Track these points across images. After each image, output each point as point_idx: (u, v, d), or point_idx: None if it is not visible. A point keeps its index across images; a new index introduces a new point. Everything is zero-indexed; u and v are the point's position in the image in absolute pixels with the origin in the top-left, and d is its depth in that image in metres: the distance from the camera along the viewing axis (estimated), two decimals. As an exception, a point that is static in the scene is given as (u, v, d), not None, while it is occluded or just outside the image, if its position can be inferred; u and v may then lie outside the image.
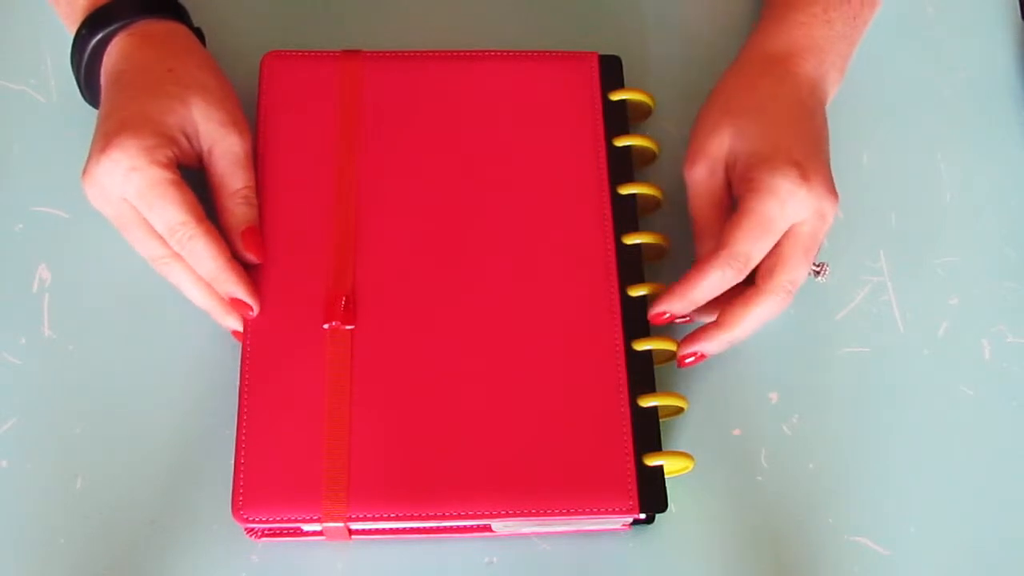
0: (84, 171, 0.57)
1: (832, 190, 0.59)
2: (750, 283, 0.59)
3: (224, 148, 0.59)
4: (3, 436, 0.59)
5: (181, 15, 0.63)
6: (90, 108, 0.63)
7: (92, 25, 0.60)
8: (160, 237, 0.57)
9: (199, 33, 0.64)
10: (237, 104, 0.61)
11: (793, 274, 0.58)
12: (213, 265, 0.57)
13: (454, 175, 0.62)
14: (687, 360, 0.59)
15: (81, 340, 0.61)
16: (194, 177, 0.59)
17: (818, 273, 0.61)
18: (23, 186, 0.64)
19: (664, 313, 0.59)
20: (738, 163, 0.60)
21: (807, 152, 0.59)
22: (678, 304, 0.59)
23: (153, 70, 0.59)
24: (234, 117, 0.60)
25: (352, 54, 0.65)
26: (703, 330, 0.59)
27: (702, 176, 0.61)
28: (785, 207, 0.57)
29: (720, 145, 0.60)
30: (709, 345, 0.59)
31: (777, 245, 0.58)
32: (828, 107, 0.64)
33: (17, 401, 0.60)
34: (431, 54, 0.65)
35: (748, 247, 0.57)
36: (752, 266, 0.58)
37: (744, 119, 0.60)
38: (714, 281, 0.58)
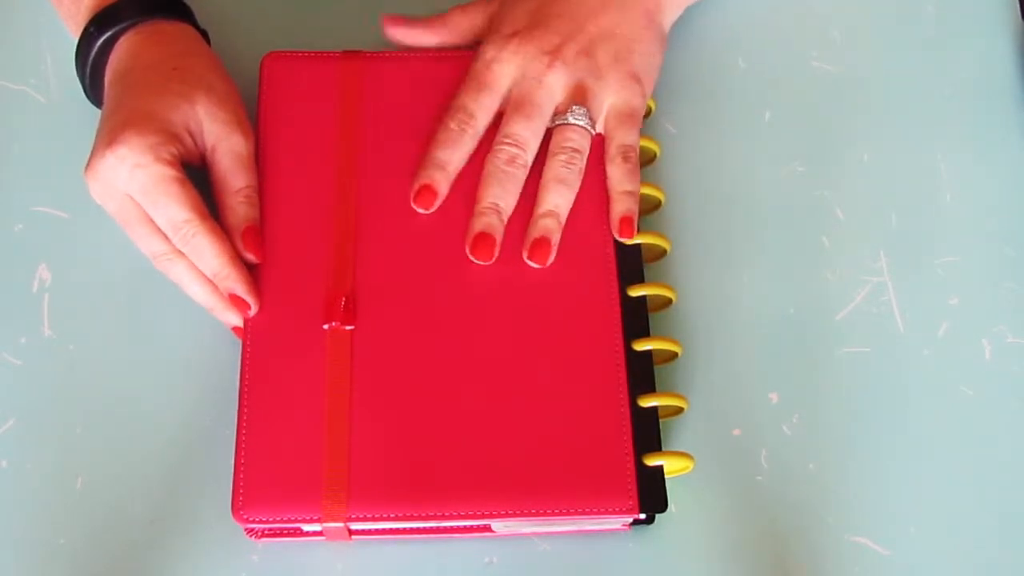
0: (88, 166, 0.57)
1: (553, 49, 0.61)
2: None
3: (227, 147, 0.59)
4: (3, 436, 0.59)
5: (187, 15, 0.63)
6: (91, 108, 0.63)
7: (100, 24, 0.60)
8: (162, 234, 0.57)
9: (204, 34, 0.64)
10: (241, 104, 0.61)
11: (507, 128, 0.61)
12: (216, 262, 0.57)
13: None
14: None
15: (81, 340, 0.61)
16: (196, 176, 0.59)
17: (565, 118, 0.61)
18: (23, 186, 0.65)
19: (427, 187, 0.60)
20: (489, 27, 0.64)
21: (536, 18, 0.62)
22: (427, 169, 0.61)
23: (159, 69, 0.59)
24: (238, 117, 0.60)
25: (352, 54, 0.65)
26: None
27: (456, 19, 0.66)
28: (491, 66, 0.62)
29: (488, 7, 0.65)
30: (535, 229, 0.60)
31: (504, 107, 0.62)
32: (823, 110, 0.64)
33: (17, 401, 0.60)
34: (431, 54, 0.65)
35: (465, 100, 0.61)
36: (479, 123, 0.61)
37: None
38: (446, 137, 0.61)
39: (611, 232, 0.61)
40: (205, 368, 0.60)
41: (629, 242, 0.61)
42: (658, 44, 0.64)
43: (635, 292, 0.60)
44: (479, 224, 0.60)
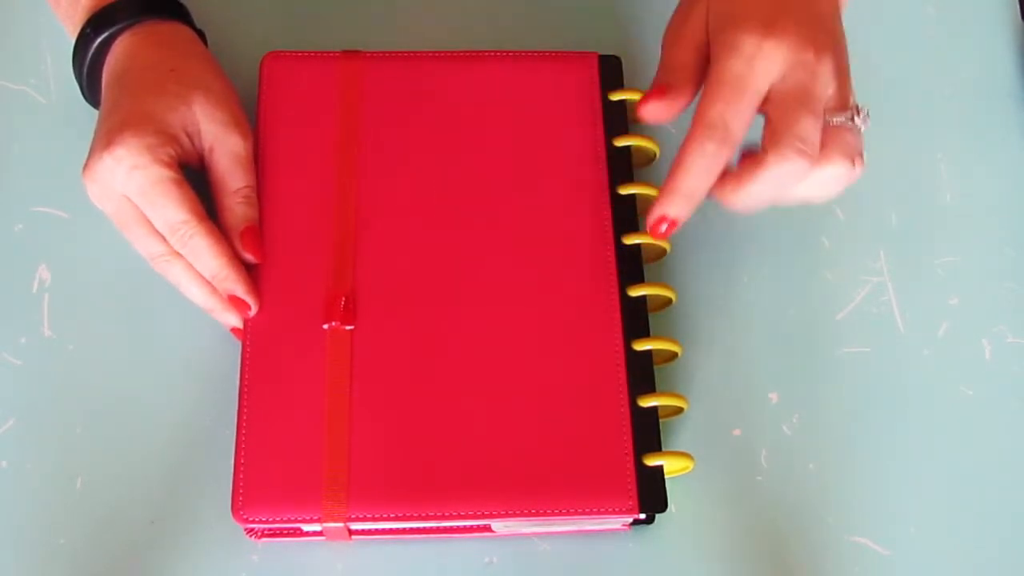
0: (85, 168, 0.57)
1: (814, 40, 0.53)
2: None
3: (225, 147, 0.59)
4: (3, 436, 0.59)
5: (184, 16, 0.63)
6: (90, 108, 0.63)
7: (96, 25, 0.60)
8: (160, 235, 0.57)
9: (201, 35, 0.64)
10: (239, 104, 0.61)
11: (796, 128, 0.52)
12: (214, 263, 0.57)
13: (454, 175, 0.62)
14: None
15: (81, 340, 0.61)
16: (195, 177, 0.59)
17: (853, 118, 0.54)
18: (23, 186, 0.65)
19: (663, 219, 0.53)
20: (710, 31, 0.55)
21: (782, 8, 0.53)
22: (674, 201, 0.53)
23: (156, 69, 0.59)
24: (236, 117, 0.60)
25: (352, 54, 0.65)
26: (718, 183, 0.53)
27: (683, 58, 0.55)
28: (753, 64, 0.52)
29: (699, 18, 0.55)
30: (725, 196, 0.53)
31: (767, 109, 0.53)
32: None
33: (17, 401, 0.60)
34: (431, 54, 0.65)
35: (721, 112, 0.52)
36: (735, 136, 0.52)
37: None
38: (699, 161, 0.52)
39: (611, 232, 0.61)
40: (205, 368, 0.60)
41: (629, 242, 0.61)
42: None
43: (635, 292, 0.60)
44: (742, 206, 0.54)
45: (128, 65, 0.59)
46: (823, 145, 0.53)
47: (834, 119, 0.54)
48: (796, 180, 0.53)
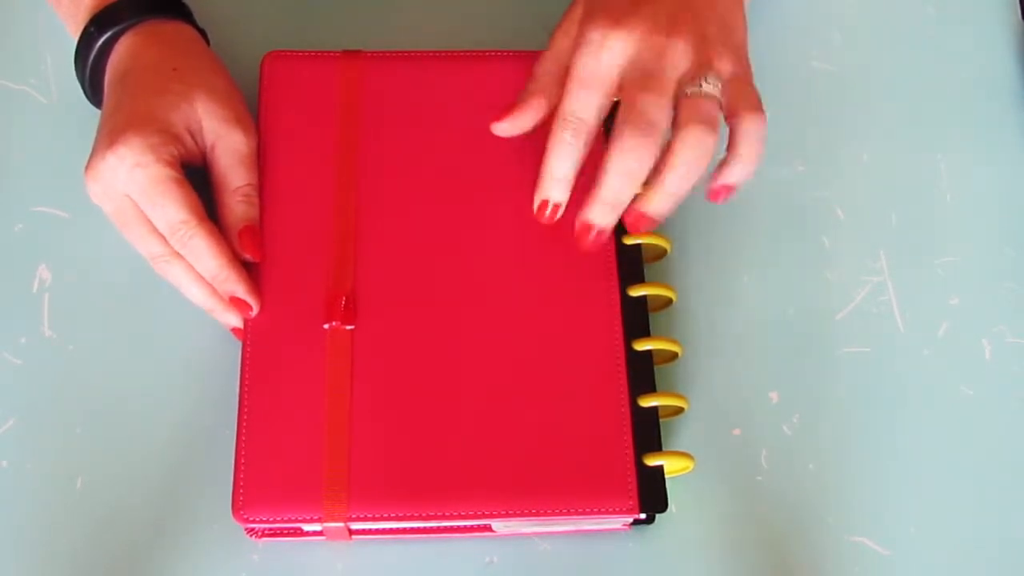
0: (88, 167, 0.57)
1: (668, 25, 0.55)
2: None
3: (227, 145, 0.59)
4: (3, 436, 0.59)
5: (187, 16, 0.63)
6: (91, 108, 0.63)
7: (100, 24, 0.60)
8: (160, 235, 0.57)
9: (203, 34, 0.64)
10: (243, 103, 0.61)
11: (635, 108, 0.55)
12: (214, 264, 0.57)
13: (454, 175, 0.62)
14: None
15: (81, 340, 0.61)
16: (196, 177, 0.59)
17: (701, 84, 0.55)
18: (23, 186, 0.65)
19: (545, 203, 0.59)
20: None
21: (637, 3, 0.56)
22: (546, 185, 0.58)
23: (159, 69, 0.59)
24: (239, 115, 0.60)
25: (352, 54, 0.65)
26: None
27: (548, 65, 0.60)
28: (599, 56, 0.56)
29: (567, 32, 0.59)
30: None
31: (619, 95, 0.56)
32: (823, 110, 0.63)
33: (17, 401, 0.60)
34: (431, 54, 0.65)
35: (575, 104, 0.56)
36: (589, 124, 0.57)
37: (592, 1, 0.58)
38: (558, 148, 0.57)
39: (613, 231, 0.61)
40: (205, 368, 0.60)
41: (629, 242, 0.61)
42: (745, 21, 0.60)
43: (635, 292, 0.60)
44: (598, 216, 0.57)
45: (131, 64, 0.59)
46: (679, 117, 0.55)
47: (688, 90, 0.55)
48: (648, 156, 0.55)
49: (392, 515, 0.54)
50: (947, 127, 0.69)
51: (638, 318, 0.59)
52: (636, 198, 0.57)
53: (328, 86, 0.63)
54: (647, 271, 0.61)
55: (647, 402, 0.57)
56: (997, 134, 0.69)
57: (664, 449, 0.57)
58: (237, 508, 0.54)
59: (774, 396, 0.61)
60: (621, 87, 0.56)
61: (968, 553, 0.59)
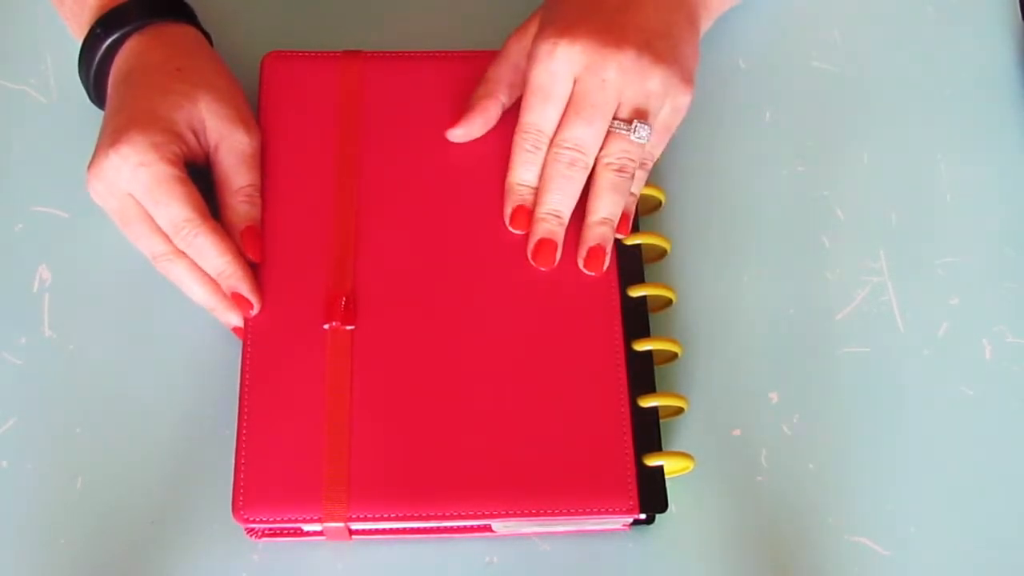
0: (91, 165, 0.57)
1: (613, 41, 0.57)
2: None
3: (230, 145, 0.59)
4: (3, 436, 0.59)
5: (192, 18, 0.63)
6: (91, 108, 0.63)
7: (106, 25, 0.60)
8: (163, 234, 0.57)
9: (207, 37, 0.64)
10: (246, 103, 0.61)
11: (567, 132, 0.58)
12: (219, 261, 0.57)
13: (454, 175, 0.62)
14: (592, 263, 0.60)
15: (81, 340, 0.61)
16: (197, 176, 0.59)
17: (628, 131, 0.59)
18: (23, 186, 0.65)
19: (519, 209, 0.60)
20: None
21: (587, 13, 0.58)
22: (514, 192, 0.60)
23: (163, 69, 0.59)
24: (242, 115, 0.60)
25: (352, 54, 0.65)
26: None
27: (501, 71, 0.62)
28: (549, 68, 0.58)
29: (521, 43, 0.62)
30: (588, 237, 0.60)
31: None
32: (823, 110, 0.63)
33: (17, 401, 0.60)
34: (431, 54, 0.65)
35: (532, 117, 0.59)
36: (546, 136, 0.59)
37: (549, 8, 0.61)
38: (520, 157, 0.60)
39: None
40: (205, 368, 0.60)
41: (629, 242, 0.61)
42: (697, 47, 0.62)
43: (635, 292, 0.60)
44: (541, 230, 0.59)
45: (135, 65, 0.60)
46: (601, 153, 0.59)
47: (614, 125, 0.59)
48: (574, 180, 0.59)
49: (392, 515, 0.54)
50: (947, 127, 0.69)
51: (638, 318, 0.59)
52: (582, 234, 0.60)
53: (328, 86, 0.63)
54: (647, 271, 0.61)
55: (647, 402, 0.57)
56: (997, 134, 0.69)
57: (664, 449, 0.57)
58: (237, 508, 0.54)
59: (774, 396, 0.61)
60: (569, 100, 0.59)
61: (968, 553, 0.59)
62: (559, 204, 0.59)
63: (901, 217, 0.66)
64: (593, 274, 0.59)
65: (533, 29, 0.61)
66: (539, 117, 0.59)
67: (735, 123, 0.68)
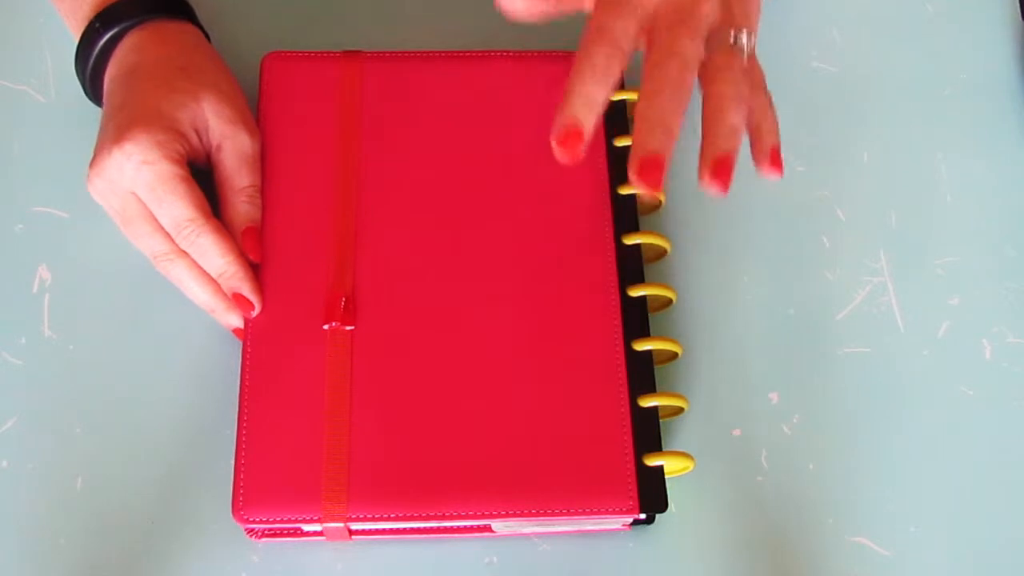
0: (93, 163, 0.57)
1: None
2: None
3: (233, 145, 0.59)
4: (3, 436, 0.59)
5: (191, 16, 0.63)
6: (91, 108, 0.63)
7: (106, 20, 0.60)
8: (164, 233, 0.57)
9: (205, 34, 0.64)
10: (246, 104, 0.61)
11: (671, 44, 0.50)
12: (221, 261, 0.57)
13: (454, 175, 0.62)
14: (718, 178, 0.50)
15: (81, 340, 0.61)
16: (198, 175, 0.59)
17: (735, 40, 0.52)
18: (23, 186, 0.65)
19: (571, 125, 0.50)
20: None
21: None
22: (582, 109, 0.50)
23: (166, 67, 0.59)
24: (244, 116, 0.60)
25: (352, 54, 0.65)
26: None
27: None
28: None
29: None
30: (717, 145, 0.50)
31: (652, 30, 0.52)
32: (823, 110, 0.63)
33: (17, 401, 0.60)
34: (431, 54, 0.65)
35: (605, 19, 0.51)
36: (620, 42, 0.51)
37: None
38: (586, 62, 0.50)
39: (611, 232, 0.60)
40: (205, 368, 0.60)
41: (629, 242, 0.61)
42: None
43: (635, 292, 0.60)
44: (651, 142, 0.49)
45: (137, 62, 0.60)
46: (711, 63, 0.51)
47: (720, 39, 0.52)
48: (683, 91, 0.50)
49: (392, 515, 0.54)
50: (947, 127, 0.69)
51: (638, 318, 0.59)
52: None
53: (328, 86, 0.64)
54: (647, 271, 0.61)
55: (647, 402, 0.57)
56: (997, 134, 0.69)
57: (664, 449, 0.57)
58: (237, 508, 0.54)
59: (774, 396, 0.61)
60: (654, 24, 0.52)
61: (968, 553, 0.59)
62: (669, 115, 0.49)
63: (901, 217, 0.66)
64: (719, 192, 0.49)
65: None
66: (610, 19, 0.51)
67: (735, 123, 0.68)
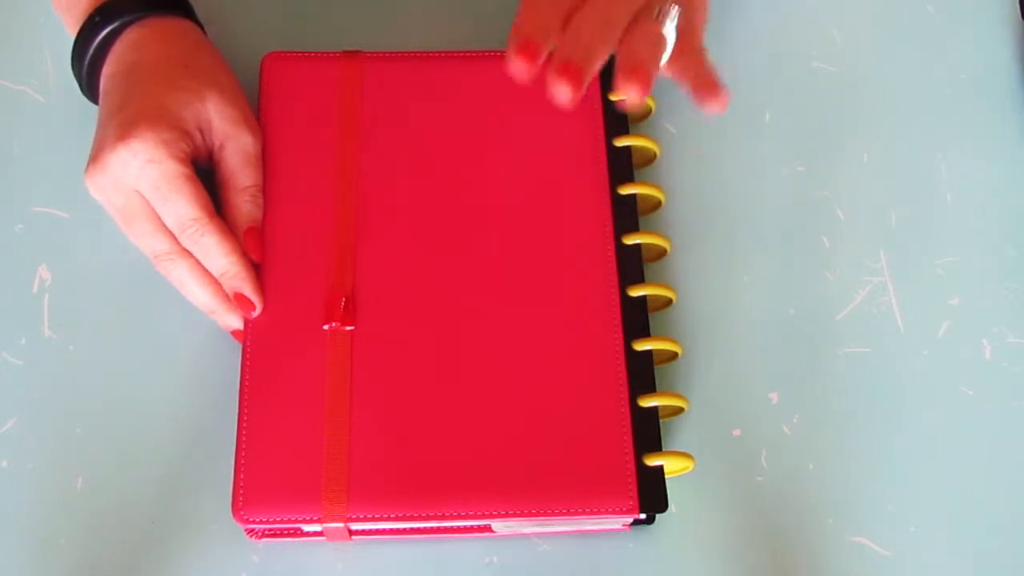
0: (94, 159, 0.57)
1: None
2: None
3: (236, 145, 0.59)
4: (3, 436, 0.59)
5: (190, 13, 0.63)
6: (91, 108, 0.63)
7: (106, 14, 0.60)
8: (166, 232, 0.57)
9: (202, 30, 0.64)
10: (248, 104, 0.61)
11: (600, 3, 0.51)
12: (224, 261, 0.57)
13: (454, 175, 0.62)
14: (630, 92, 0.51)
15: (81, 340, 0.61)
16: (200, 173, 0.59)
17: (657, 15, 0.52)
18: (23, 186, 0.65)
19: (526, 44, 0.50)
20: None
21: None
22: (533, 31, 0.51)
23: (169, 65, 0.59)
24: (246, 115, 0.60)
25: (352, 54, 0.65)
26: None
27: None
28: None
29: None
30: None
31: None
32: (823, 110, 0.63)
33: (17, 401, 0.60)
34: (431, 54, 0.65)
35: None
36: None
37: None
38: (536, 8, 0.51)
39: (611, 232, 0.61)
40: (205, 368, 0.60)
41: (629, 242, 0.61)
42: None
43: (635, 292, 0.60)
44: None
45: (138, 58, 0.59)
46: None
47: (645, 13, 0.52)
48: (607, 32, 0.51)
49: (392, 515, 0.54)
50: (947, 127, 0.69)
51: (638, 318, 0.59)
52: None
53: (328, 86, 0.64)
54: (647, 271, 0.61)
55: (647, 402, 0.57)
56: (997, 134, 0.69)
57: (664, 449, 0.57)
58: (237, 508, 0.54)
59: (774, 396, 0.61)
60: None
61: (968, 553, 0.59)
62: (593, 40, 0.51)
63: (901, 217, 0.66)
64: (632, 93, 0.51)
65: None
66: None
67: (735, 123, 0.68)
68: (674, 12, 0.53)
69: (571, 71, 0.50)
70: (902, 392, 0.62)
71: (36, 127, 0.66)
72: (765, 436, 0.60)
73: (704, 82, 0.53)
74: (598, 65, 0.52)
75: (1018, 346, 0.63)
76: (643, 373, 0.58)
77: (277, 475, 0.55)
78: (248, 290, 0.58)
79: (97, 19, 0.60)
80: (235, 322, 0.59)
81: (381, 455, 0.55)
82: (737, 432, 0.60)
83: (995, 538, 0.59)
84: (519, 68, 0.51)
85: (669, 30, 0.53)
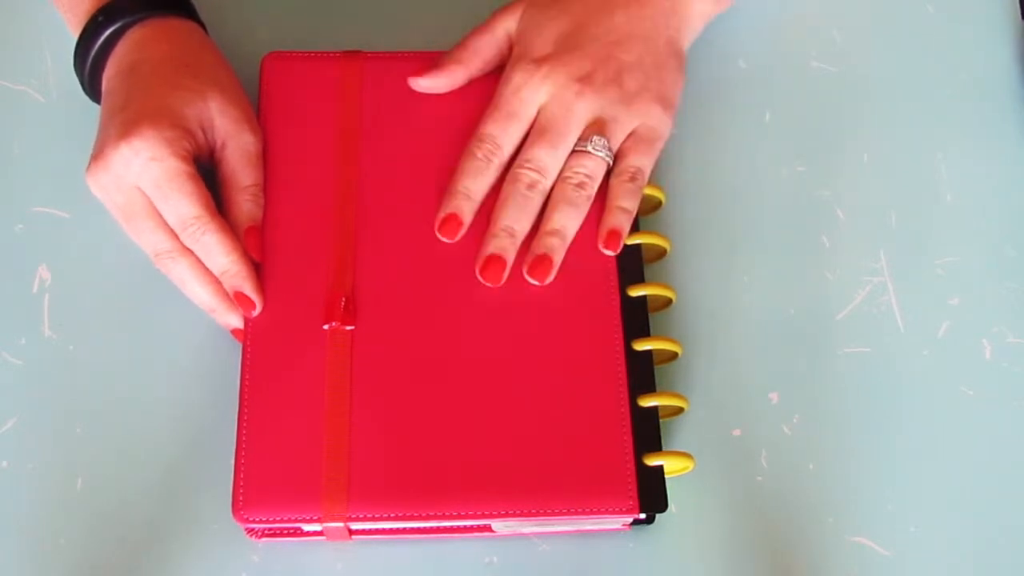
0: (96, 157, 0.57)
1: (586, 76, 0.60)
2: None
3: (237, 144, 0.59)
4: (3, 436, 0.59)
5: (192, 13, 0.63)
6: (91, 108, 0.63)
7: (109, 14, 0.60)
8: (167, 230, 0.57)
9: (204, 29, 0.64)
10: (249, 103, 0.61)
11: (526, 154, 0.60)
12: (226, 260, 0.57)
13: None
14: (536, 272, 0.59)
15: (81, 340, 0.61)
16: (202, 172, 0.59)
17: (586, 146, 0.60)
18: (23, 186, 0.65)
19: (452, 217, 0.60)
20: (512, 43, 0.63)
21: (569, 43, 0.61)
22: (451, 199, 0.60)
23: (171, 64, 0.59)
24: (248, 115, 0.60)
25: (352, 54, 0.65)
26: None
27: (481, 43, 0.63)
28: (520, 95, 0.61)
29: (511, 21, 0.63)
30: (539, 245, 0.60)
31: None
32: (823, 110, 0.63)
33: (17, 401, 0.60)
34: (431, 54, 0.65)
35: (493, 130, 0.61)
36: (502, 149, 0.61)
37: (537, 7, 0.63)
38: (468, 165, 0.60)
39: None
40: (205, 368, 0.60)
41: (629, 242, 0.61)
42: (680, 70, 0.63)
43: (635, 292, 0.60)
44: (492, 246, 0.59)
45: (140, 57, 0.59)
46: (562, 171, 0.61)
47: (578, 145, 0.61)
48: (531, 202, 0.60)
49: (392, 515, 0.54)
50: (947, 127, 0.69)
51: (638, 318, 0.59)
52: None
53: (328, 86, 0.64)
54: (647, 271, 0.61)
55: (647, 402, 0.57)
56: (997, 134, 0.69)
57: (664, 449, 0.57)
58: (237, 508, 0.54)
59: (774, 396, 0.61)
60: (532, 125, 0.61)
61: (968, 553, 0.59)
62: (514, 223, 0.59)
63: (901, 217, 0.66)
64: (536, 283, 0.59)
65: (519, 12, 0.63)
66: (501, 132, 0.61)
67: (735, 123, 0.68)
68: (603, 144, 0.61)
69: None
70: (902, 392, 0.62)
71: (36, 127, 0.66)
72: (765, 436, 0.60)
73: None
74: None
75: (1018, 346, 0.63)
76: (643, 373, 0.58)
77: (277, 475, 0.55)
78: (248, 289, 0.58)
79: (100, 19, 0.60)
80: (235, 321, 0.59)
81: (381, 455, 0.55)
82: (737, 432, 0.60)
83: (995, 538, 0.59)
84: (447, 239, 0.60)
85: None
